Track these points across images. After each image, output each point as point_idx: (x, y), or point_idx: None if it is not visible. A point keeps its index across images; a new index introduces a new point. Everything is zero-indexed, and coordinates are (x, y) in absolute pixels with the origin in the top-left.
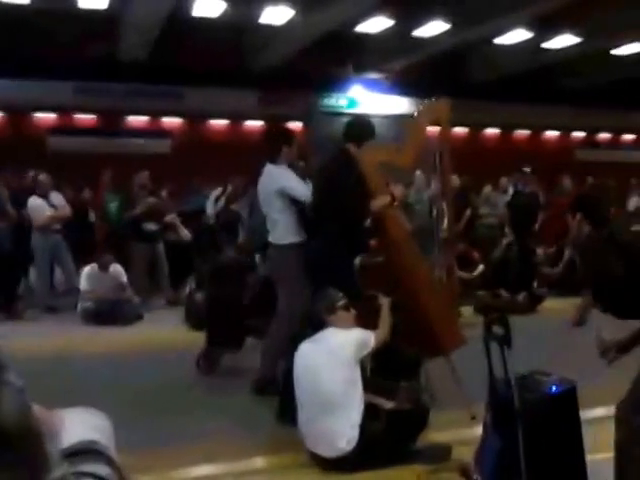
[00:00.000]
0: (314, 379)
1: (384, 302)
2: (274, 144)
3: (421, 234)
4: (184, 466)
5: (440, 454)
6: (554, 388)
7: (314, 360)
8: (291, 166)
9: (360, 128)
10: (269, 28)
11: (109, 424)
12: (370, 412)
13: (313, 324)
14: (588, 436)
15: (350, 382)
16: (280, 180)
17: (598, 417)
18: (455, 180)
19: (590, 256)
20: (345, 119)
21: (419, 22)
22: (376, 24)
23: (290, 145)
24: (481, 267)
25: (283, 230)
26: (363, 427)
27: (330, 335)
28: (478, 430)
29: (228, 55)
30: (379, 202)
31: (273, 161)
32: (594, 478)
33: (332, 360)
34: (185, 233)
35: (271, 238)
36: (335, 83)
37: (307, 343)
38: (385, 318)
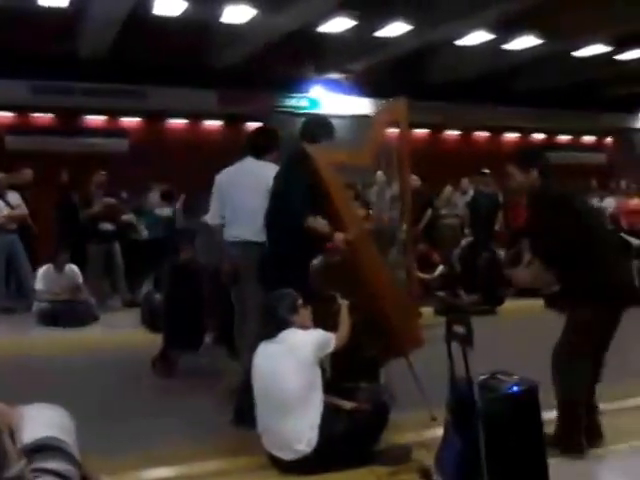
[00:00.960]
0: (273, 380)
1: (343, 304)
2: (267, 143)
3: (382, 234)
4: (140, 469)
5: (400, 455)
6: (515, 388)
7: (273, 361)
8: None
9: (316, 127)
10: (230, 27)
11: (71, 421)
12: (330, 413)
13: (269, 324)
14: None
15: (309, 383)
16: (269, 178)
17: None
18: (416, 181)
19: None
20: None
21: (381, 23)
22: (338, 24)
23: (278, 148)
24: (441, 268)
25: (261, 227)
26: (323, 428)
27: (290, 335)
28: (439, 431)
29: (188, 54)
30: (354, 231)
31: (260, 158)
32: (555, 478)
33: (291, 361)
34: (145, 233)
35: (248, 235)
36: (296, 83)
37: (266, 343)
38: (344, 320)
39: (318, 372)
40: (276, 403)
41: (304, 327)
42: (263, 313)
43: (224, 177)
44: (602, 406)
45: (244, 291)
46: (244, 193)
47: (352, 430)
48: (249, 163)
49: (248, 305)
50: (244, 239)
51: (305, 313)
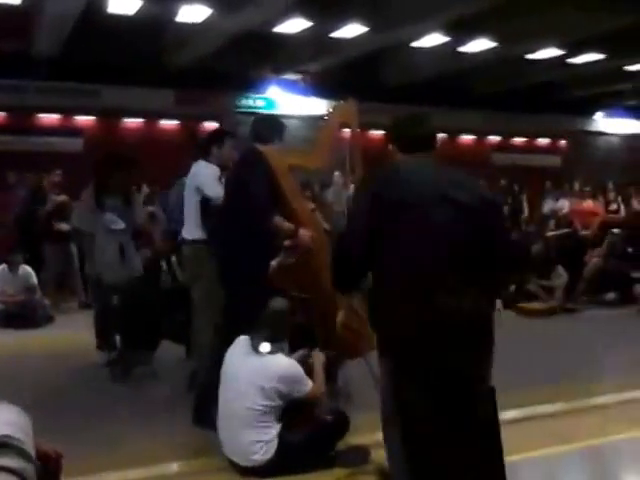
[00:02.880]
0: (237, 391)
1: (316, 358)
2: (205, 143)
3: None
4: (97, 472)
5: (359, 457)
6: None
7: (244, 372)
8: (225, 167)
9: (265, 127)
10: (186, 26)
11: (27, 419)
12: (288, 425)
13: (263, 329)
14: (505, 437)
15: (269, 411)
16: (199, 177)
17: (514, 418)
18: None
19: None
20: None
21: (337, 24)
22: (294, 25)
23: (219, 146)
24: None
25: (193, 225)
26: (281, 439)
27: (270, 357)
28: None
29: (144, 53)
30: (309, 233)
31: (205, 159)
32: (511, 479)
33: (258, 382)
34: None
35: (186, 234)
36: (252, 83)
37: (248, 355)
38: (319, 374)
39: (279, 403)
40: (235, 413)
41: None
42: (261, 319)
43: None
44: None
45: (194, 290)
46: (187, 194)
47: (311, 441)
48: (195, 165)
49: (198, 304)
50: (185, 238)
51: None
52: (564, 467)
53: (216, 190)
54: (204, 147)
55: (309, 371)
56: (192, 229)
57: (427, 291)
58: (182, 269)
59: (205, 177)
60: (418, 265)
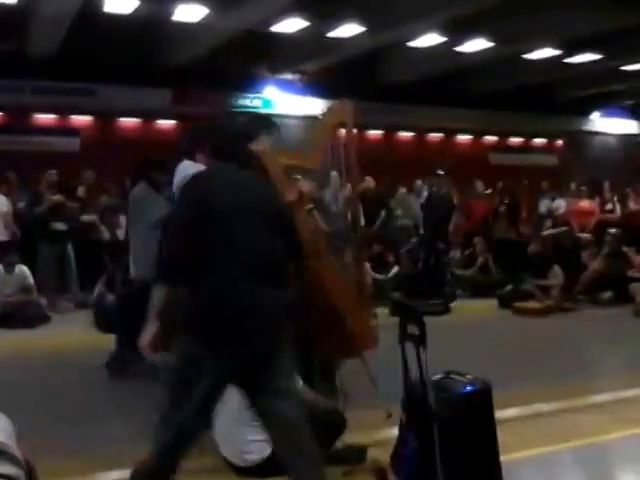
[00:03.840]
0: (232, 393)
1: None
2: (194, 142)
3: (337, 235)
4: (94, 471)
5: (355, 456)
6: (469, 388)
7: None
8: None
9: (250, 124)
10: (183, 26)
11: (11, 424)
12: None
13: None
14: (502, 436)
15: None
16: (179, 176)
17: (511, 417)
18: (370, 182)
19: None
20: None
21: (334, 24)
22: (291, 24)
23: (206, 146)
24: (396, 268)
25: None
26: None
27: None
28: (394, 431)
29: (141, 52)
30: (289, 197)
31: (191, 158)
32: (508, 477)
33: None
34: (106, 234)
35: None
36: (250, 83)
37: None
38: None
39: None
40: (231, 413)
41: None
42: None
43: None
44: (502, 413)
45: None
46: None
47: None
48: (182, 166)
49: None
50: None
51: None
52: (561, 466)
53: None
54: (193, 145)
55: None
56: None
57: (222, 290)
58: None
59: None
60: (217, 267)
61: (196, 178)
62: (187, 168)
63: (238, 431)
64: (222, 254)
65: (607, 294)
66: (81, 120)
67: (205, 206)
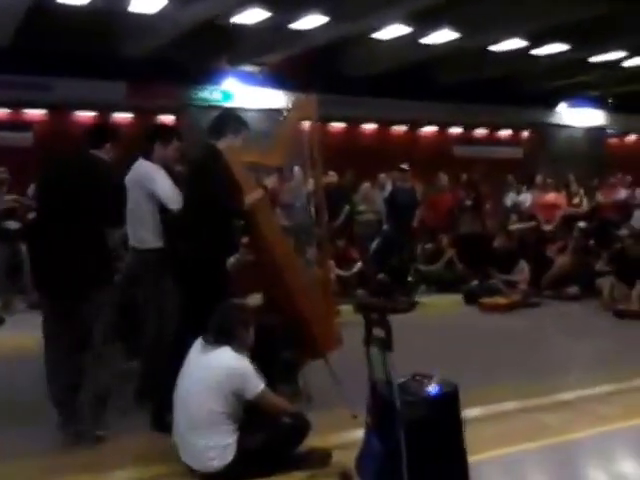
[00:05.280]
0: (191, 392)
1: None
2: (148, 140)
3: (300, 231)
4: (57, 477)
5: (320, 459)
6: (435, 390)
7: (198, 375)
8: (166, 168)
9: (218, 122)
10: (141, 17)
11: None
12: (247, 429)
13: (213, 327)
14: (468, 436)
15: (222, 412)
16: (152, 182)
17: (477, 417)
18: (333, 177)
19: None
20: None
21: (296, 15)
22: (252, 15)
23: (164, 144)
24: (359, 265)
25: (151, 233)
26: (239, 444)
27: (221, 354)
28: (359, 433)
29: (96, 44)
30: (253, 196)
31: (147, 158)
32: (475, 478)
33: (210, 381)
34: None
35: (135, 241)
36: (209, 75)
37: (200, 353)
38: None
39: (235, 405)
40: (191, 416)
41: (243, 346)
42: (213, 313)
43: (126, 180)
44: (468, 413)
45: (144, 299)
46: (131, 197)
47: (270, 445)
48: (137, 165)
49: (147, 309)
50: (132, 246)
51: (251, 334)
52: (528, 466)
53: (177, 199)
54: (148, 143)
55: None
56: (148, 237)
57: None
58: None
59: (162, 184)
60: None
61: None
62: (158, 173)
63: (199, 436)
64: None
65: (574, 289)
66: (34, 114)
67: None
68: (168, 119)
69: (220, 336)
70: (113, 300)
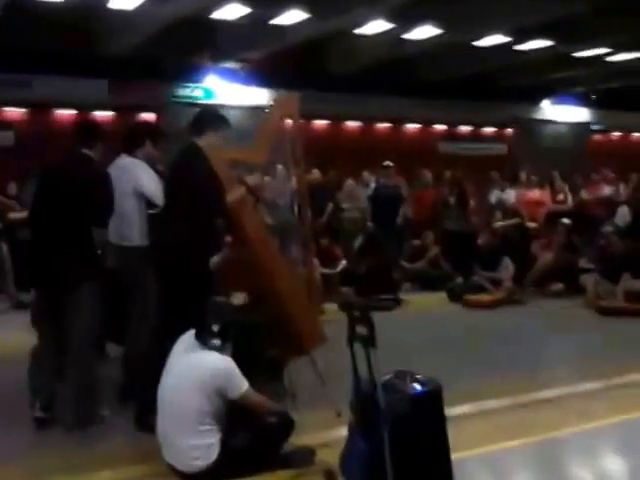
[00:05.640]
0: (176, 391)
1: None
2: (137, 136)
3: (284, 229)
4: (40, 477)
5: (304, 458)
6: (419, 389)
7: (181, 375)
8: (150, 167)
9: (199, 119)
10: (120, 13)
11: None
12: (231, 429)
13: (201, 325)
14: (452, 434)
15: (207, 411)
16: (138, 178)
17: (461, 414)
18: (316, 174)
19: None
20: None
21: (277, 10)
22: (232, 11)
23: (154, 143)
24: (344, 263)
25: (137, 231)
26: (223, 444)
27: (206, 354)
28: (343, 432)
29: (76, 41)
30: (235, 194)
31: (131, 154)
32: (459, 476)
33: (194, 381)
34: None
35: (118, 238)
36: (190, 72)
37: (184, 353)
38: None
39: (218, 405)
40: (174, 416)
41: (229, 346)
42: (203, 313)
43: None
44: (453, 410)
45: (130, 297)
46: (119, 192)
47: (254, 444)
48: (121, 161)
49: (135, 311)
50: (122, 244)
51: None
52: (512, 463)
53: (161, 196)
54: (136, 139)
55: None
56: (134, 235)
57: None
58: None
59: (148, 181)
60: None
61: None
62: (144, 170)
63: (182, 436)
64: None
65: (558, 286)
66: (15, 113)
67: None
68: (149, 117)
69: (210, 336)
70: (95, 301)
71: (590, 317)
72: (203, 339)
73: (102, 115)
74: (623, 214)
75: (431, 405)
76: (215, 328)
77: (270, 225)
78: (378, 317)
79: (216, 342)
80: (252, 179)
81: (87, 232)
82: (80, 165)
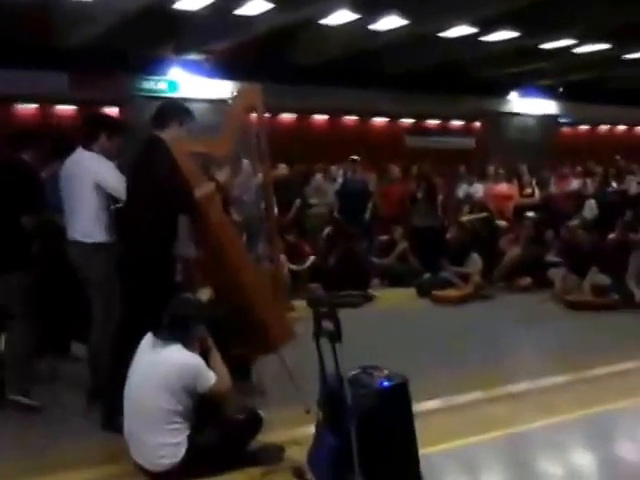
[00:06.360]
0: (141, 389)
1: (213, 357)
2: (92, 129)
3: (250, 225)
4: (7, 479)
5: (273, 455)
6: (386, 383)
7: (147, 372)
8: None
9: (162, 112)
10: (79, 3)
11: None
12: (199, 426)
13: (168, 322)
14: (420, 429)
15: (174, 409)
16: (99, 171)
17: (430, 409)
18: (283, 169)
19: None
20: None
21: (241, 0)
22: (196, 1)
23: (109, 136)
24: (312, 258)
25: (94, 226)
26: (190, 442)
27: (172, 351)
28: (312, 429)
29: (35, 33)
30: (204, 189)
31: (87, 148)
32: (427, 471)
33: (160, 378)
34: None
35: (78, 234)
36: (153, 65)
37: (150, 350)
38: (220, 370)
39: (185, 402)
40: (141, 414)
41: (195, 342)
42: (167, 309)
43: (62, 170)
44: (421, 406)
45: (89, 296)
46: (73, 188)
47: (222, 441)
48: (78, 155)
49: (98, 309)
50: (80, 240)
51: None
52: (480, 457)
53: (123, 189)
54: (92, 132)
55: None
56: (94, 231)
57: None
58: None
59: (107, 174)
60: None
61: None
62: (103, 164)
63: (149, 434)
64: None
65: (526, 280)
66: None
67: None
68: (112, 111)
69: (174, 332)
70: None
71: (557, 311)
72: (164, 336)
73: (63, 109)
74: (590, 207)
75: (398, 399)
76: (175, 324)
77: (236, 222)
78: (346, 313)
79: (177, 338)
80: (222, 175)
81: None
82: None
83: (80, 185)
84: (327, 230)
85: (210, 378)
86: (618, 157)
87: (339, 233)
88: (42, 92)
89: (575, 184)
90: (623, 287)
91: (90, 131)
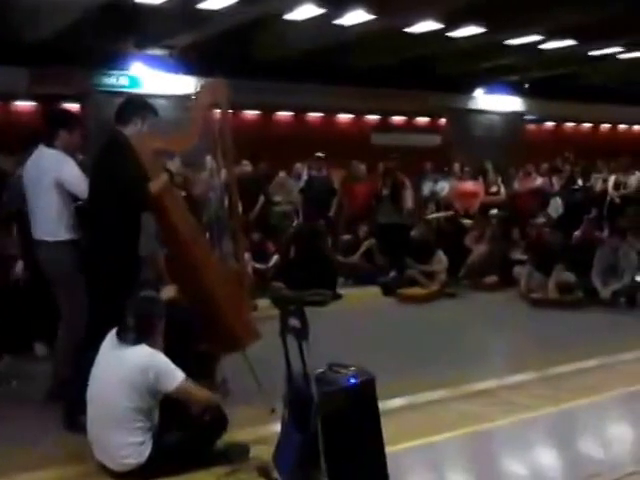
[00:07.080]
0: (104, 389)
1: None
2: (51, 126)
3: (214, 223)
4: None
5: (238, 454)
6: (352, 381)
7: (110, 371)
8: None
9: (124, 108)
10: None
11: None
12: (163, 426)
13: (129, 321)
14: (388, 427)
15: (138, 408)
16: (59, 170)
17: (397, 407)
18: (247, 166)
19: None
20: None
21: None
22: None
23: (70, 131)
24: (276, 257)
25: (58, 225)
26: (155, 441)
27: (136, 350)
28: (277, 427)
29: None
30: (158, 182)
31: (49, 145)
32: (394, 469)
33: (124, 377)
34: None
35: (42, 234)
36: (114, 60)
37: (113, 349)
38: (198, 393)
39: (149, 401)
40: (105, 414)
41: (158, 341)
42: (128, 308)
43: (24, 170)
44: (387, 404)
45: (57, 295)
46: (35, 187)
47: (187, 441)
48: (40, 152)
49: (63, 308)
50: (40, 238)
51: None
52: (448, 455)
53: (85, 187)
54: (51, 129)
55: None
56: (56, 229)
57: None
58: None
59: (69, 172)
60: None
61: None
62: (65, 161)
63: (113, 433)
64: None
65: (491, 278)
66: None
67: None
68: (73, 107)
69: (139, 333)
70: None
71: (523, 309)
72: (128, 335)
73: (23, 105)
74: (556, 206)
75: (364, 396)
76: (139, 324)
77: (200, 219)
78: (312, 312)
79: (141, 337)
80: (173, 165)
81: None
82: None
83: (41, 184)
84: (292, 228)
85: (177, 376)
86: (567, 153)
87: (304, 230)
88: (1, 88)
89: (539, 181)
90: (588, 285)
91: (50, 128)
